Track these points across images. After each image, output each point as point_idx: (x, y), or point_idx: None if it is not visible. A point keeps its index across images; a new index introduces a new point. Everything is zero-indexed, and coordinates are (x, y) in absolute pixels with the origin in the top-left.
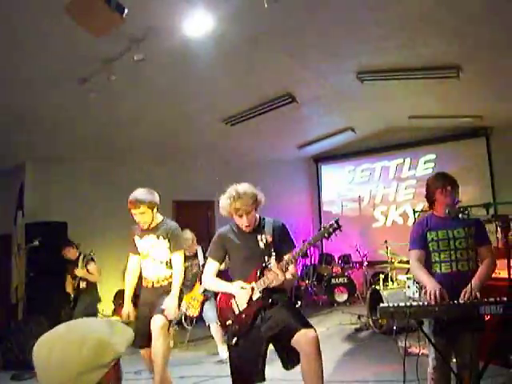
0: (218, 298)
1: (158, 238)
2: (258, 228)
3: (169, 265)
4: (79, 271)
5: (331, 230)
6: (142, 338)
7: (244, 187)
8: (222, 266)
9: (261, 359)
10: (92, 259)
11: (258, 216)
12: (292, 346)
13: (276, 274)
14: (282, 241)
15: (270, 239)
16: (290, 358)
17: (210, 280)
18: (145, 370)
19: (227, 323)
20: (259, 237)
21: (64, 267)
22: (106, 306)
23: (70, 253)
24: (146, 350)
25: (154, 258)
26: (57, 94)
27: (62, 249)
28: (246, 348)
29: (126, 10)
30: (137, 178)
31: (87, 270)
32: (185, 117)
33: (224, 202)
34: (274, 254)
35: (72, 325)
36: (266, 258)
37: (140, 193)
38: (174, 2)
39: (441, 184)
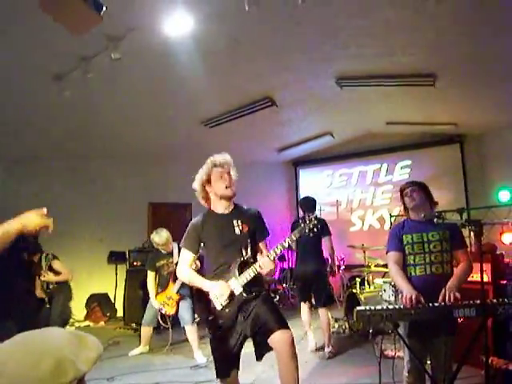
0: (195, 291)
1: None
2: (235, 211)
3: None
4: (48, 277)
5: (311, 225)
6: None
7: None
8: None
9: (238, 348)
10: (54, 257)
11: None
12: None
13: (267, 261)
14: (258, 228)
15: (245, 228)
16: (264, 350)
17: (186, 271)
18: (117, 376)
19: (209, 318)
20: (235, 222)
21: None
22: (77, 311)
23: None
24: None
25: None
26: (29, 93)
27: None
28: (226, 339)
29: (104, 8)
30: (112, 179)
31: (53, 270)
32: (163, 117)
33: (202, 170)
34: (250, 245)
35: (31, 337)
36: (244, 251)
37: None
38: (154, 0)
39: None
